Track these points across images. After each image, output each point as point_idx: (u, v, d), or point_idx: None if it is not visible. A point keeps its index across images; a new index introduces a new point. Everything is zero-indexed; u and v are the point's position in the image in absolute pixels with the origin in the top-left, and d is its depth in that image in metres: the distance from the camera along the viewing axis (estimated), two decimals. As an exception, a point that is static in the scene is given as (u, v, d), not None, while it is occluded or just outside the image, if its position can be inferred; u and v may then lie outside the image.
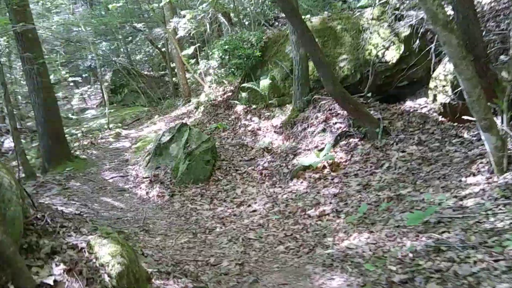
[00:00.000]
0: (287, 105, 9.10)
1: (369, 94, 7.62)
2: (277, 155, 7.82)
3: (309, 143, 7.62)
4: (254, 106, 9.57)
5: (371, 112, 7.24)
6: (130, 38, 22.71)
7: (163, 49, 19.26)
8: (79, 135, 11.16)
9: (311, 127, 7.87)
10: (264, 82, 9.23)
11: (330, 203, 5.68)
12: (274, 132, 8.58)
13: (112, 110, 18.30)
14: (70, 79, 19.29)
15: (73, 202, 6.49)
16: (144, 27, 20.22)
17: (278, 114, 9.04)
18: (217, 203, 6.70)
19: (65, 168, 7.96)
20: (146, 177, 7.46)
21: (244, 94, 9.76)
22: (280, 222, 5.57)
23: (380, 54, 7.92)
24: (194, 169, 7.42)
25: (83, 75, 22.53)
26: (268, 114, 9.18)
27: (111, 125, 12.15)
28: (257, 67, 10.02)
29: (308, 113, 8.16)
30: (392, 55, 7.83)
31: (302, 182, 6.80)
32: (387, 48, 7.93)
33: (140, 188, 7.24)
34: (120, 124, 12.56)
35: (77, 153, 9.27)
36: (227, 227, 5.68)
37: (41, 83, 7.92)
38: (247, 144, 8.56)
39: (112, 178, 7.76)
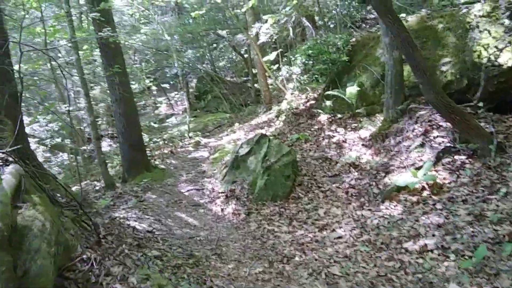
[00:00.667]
0: (377, 114, 8.16)
1: (480, 104, 6.44)
2: (365, 172, 6.94)
3: (404, 159, 6.64)
4: (339, 116, 8.76)
5: (482, 124, 6.08)
6: (214, 45, 23.01)
7: (245, 55, 19.15)
8: (160, 143, 11.15)
9: (406, 140, 6.87)
10: (351, 89, 8.39)
11: (433, 235, 4.72)
12: (362, 145, 7.69)
13: (194, 117, 18.64)
14: (161, 85, 20.10)
15: (147, 216, 6.23)
16: (228, 34, 20.33)
17: (367, 125, 8.14)
18: (297, 225, 6.02)
19: (143, 179, 7.82)
20: (222, 192, 7.02)
21: (328, 103, 8.99)
22: (371, 255, 4.74)
23: (492, 56, 6.69)
24: (273, 185, 6.82)
25: (171, 82, 23.32)
26: (355, 124, 8.31)
27: (191, 133, 12.03)
28: (343, 73, 9.20)
29: (403, 124, 7.17)
30: (507, 57, 6.56)
31: (396, 206, 5.88)
32: (501, 50, 6.68)
33: (215, 203, 6.81)
34: (199, 133, 12.40)
35: (157, 162, 9.17)
36: (307, 256, 4.99)
37: (122, 94, 7.87)
38: (331, 157, 7.77)
39: (188, 191, 7.44)
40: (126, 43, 17.51)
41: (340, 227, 5.75)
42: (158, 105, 17.95)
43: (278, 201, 6.67)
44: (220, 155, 8.93)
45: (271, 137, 7.73)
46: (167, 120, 12.44)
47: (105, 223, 4.98)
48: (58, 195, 4.31)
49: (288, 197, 6.79)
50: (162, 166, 8.97)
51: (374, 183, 6.55)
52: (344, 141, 8.10)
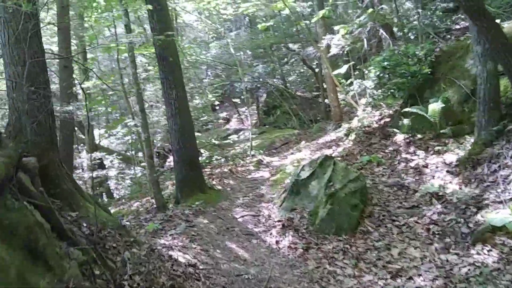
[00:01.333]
0: (466, 136, 6.93)
1: None
2: (451, 205, 5.76)
3: (501, 192, 5.39)
4: (419, 136, 7.60)
5: None
6: (285, 59, 22.56)
7: (316, 69, 18.36)
8: (222, 161, 10.65)
9: (504, 169, 5.62)
10: (434, 106, 7.23)
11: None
12: (447, 172, 6.49)
13: (261, 133, 18.15)
14: (232, 100, 19.96)
15: (194, 246, 5.61)
16: (299, 48, 19.75)
17: (453, 148, 6.91)
18: (365, 268, 5.04)
19: (197, 201, 7.26)
20: (278, 220, 6.22)
21: (406, 121, 7.87)
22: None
23: None
24: (337, 215, 5.89)
25: (242, 97, 23.34)
26: (439, 147, 7.11)
27: (253, 151, 11.39)
28: (424, 87, 8.04)
29: (500, 149, 5.90)
30: None
31: (490, 251, 4.72)
32: None
33: (271, 234, 6.02)
34: (261, 151, 11.73)
35: (214, 182, 8.60)
36: (376, 312, 4.02)
37: (178, 109, 7.45)
38: (409, 185, 6.65)
39: (242, 217, 6.74)
40: (197, 58, 17.56)
41: (419, 275, 4.70)
42: (221, 121, 17.65)
43: (342, 235, 5.72)
44: (281, 176, 8.15)
45: (336, 160, 6.81)
46: (229, 137, 11.96)
47: (140, 255, 4.41)
48: (84, 224, 3.79)
49: (354, 230, 5.82)
50: (219, 187, 8.39)
51: (462, 220, 5.38)
52: (425, 166, 6.94)
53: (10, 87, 4.02)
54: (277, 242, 5.77)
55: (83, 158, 12.49)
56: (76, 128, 16.65)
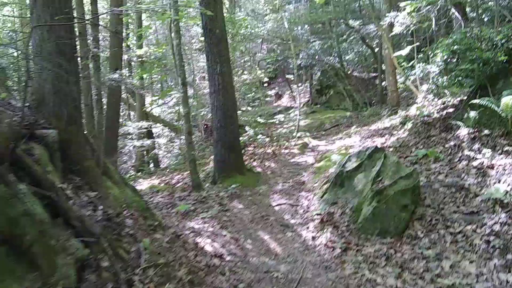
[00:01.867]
0: (543, 137, 6.00)
1: None
2: (519, 217, 4.98)
3: None
4: (486, 132, 6.72)
5: None
6: (343, 36, 21.48)
7: (376, 49, 17.23)
8: (266, 140, 10.20)
9: None
10: (508, 100, 6.30)
11: None
12: (517, 176, 5.65)
13: (312, 113, 17.52)
14: (286, 76, 19.36)
15: (224, 233, 5.29)
16: (360, 25, 18.62)
17: (527, 150, 6.03)
18: (409, 280, 4.47)
19: (234, 183, 6.92)
20: (317, 214, 5.72)
21: (472, 113, 6.98)
22: None
23: None
24: (383, 215, 5.30)
25: (296, 74, 22.80)
26: (509, 147, 6.23)
27: (300, 133, 10.82)
28: (497, 77, 7.07)
29: None
30: None
31: None
32: None
33: (307, 228, 5.55)
34: (308, 133, 11.12)
35: (254, 163, 8.20)
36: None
37: (222, 84, 7.03)
38: (469, 187, 5.88)
39: (279, 205, 6.31)
40: (252, 31, 17.00)
41: (473, 295, 4.08)
42: (270, 98, 17.10)
43: (387, 238, 5.14)
44: (325, 164, 7.58)
45: (388, 152, 6.15)
46: (276, 116, 11.39)
47: (162, 242, 4.12)
48: (101, 207, 3.50)
49: (401, 234, 5.21)
50: (259, 169, 7.98)
51: (531, 236, 4.62)
52: (491, 167, 6.10)
53: (35, 53, 3.75)
54: (313, 238, 5.30)
55: (130, 126, 12.49)
56: (129, 95, 16.84)
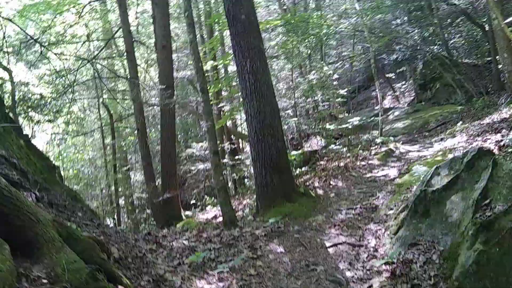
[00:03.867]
0: None
1: None
2: None
3: None
4: None
5: None
6: (448, 20, 18.37)
7: (487, 27, 14.02)
8: (343, 150, 8.18)
9: None
10: None
11: None
12: None
13: (414, 111, 15.34)
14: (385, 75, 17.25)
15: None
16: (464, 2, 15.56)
17: None
18: None
19: (279, 214, 5.14)
20: (387, 263, 3.67)
21: None
22: None
23: None
24: (496, 266, 3.09)
25: (397, 71, 20.47)
26: None
27: (381, 138, 8.55)
28: None
29: None
30: None
31: None
32: None
33: (370, 287, 3.54)
34: (392, 138, 8.79)
35: (316, 184, 6.31)
36: None
37: (254, 85, 5.39)
38: None
39: (335, 245, 4.36)
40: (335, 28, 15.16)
41: None
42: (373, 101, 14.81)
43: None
44: (409, 179, 5.38)
45: (498, 157, 3.85)
46: (349, 120, 9.23)
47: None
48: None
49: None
50: (320, 192, 6.05)
51: None
52: None
53: None
54: (377, 307, 3.30)
55: (194, 147, 11.38)
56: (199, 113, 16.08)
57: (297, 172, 6.73)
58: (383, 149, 7.91)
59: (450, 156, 5.68)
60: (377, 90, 9.81)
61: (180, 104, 15.08)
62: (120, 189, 15.27)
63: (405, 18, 18.65)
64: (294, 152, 6.63)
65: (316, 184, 6.37)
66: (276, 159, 5.48)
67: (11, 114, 10.37)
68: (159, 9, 9.40)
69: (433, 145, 7.67)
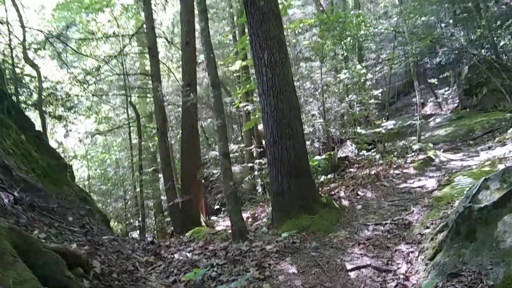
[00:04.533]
0: None
1: None
2: None
3: None
4: None
5: None
6: (497, 22, 17.22)
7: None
8: (377, 157, 7.39)
9: None
10: None
11: None
12: None
13: (458, 118, 14.51)
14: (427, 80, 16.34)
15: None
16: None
17: None
18: None
19: (296, 227, 4.49)
20: (420, 296, 2.94)
21: None
22: None
23: None
24: None
25: (440, 76, 19.51)
26: None
27: (417, 145, 7.67)
28: None
29: None
30: None
31: None
32: None
33: (396, 327, 2.83)
34: (431, 144, 7.90)
35: (341, 194, 5.59)
36: None
37: (272, 80, 4.77)
38: None
39: (357, 268, 3.65)
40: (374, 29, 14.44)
41: None
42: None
43: None
44: (450, 192, 4.57)
45: None
46: (383, 124, 8.35)
47: None
48: None
49: None
50: (345, 202, 5.33)
51: None
52: None
53: None
54: None
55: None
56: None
57: (322, 179, 6.04)
58: (421, 157, 7.05)
59: (501, 166, 4.85)
60: (416, 91, 8.90)
61: (208, 105, 14.65)
62: (148, 191, 14.99)
63: (450, 21, 17.64)
64: (317, 157, 5.94)
65: (342, 194, 5.64)
66: (295, 163, 4.81)
67: (32, 111, 10.22)
68: (184, 4, 8.97)
69: (479, 154, 6.77)
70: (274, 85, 4.81)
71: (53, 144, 11.57)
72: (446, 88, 19.61)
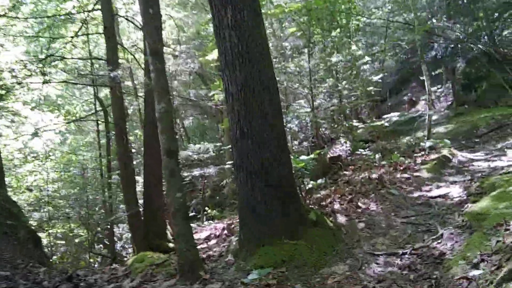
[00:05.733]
0: None
1: None
2: None
3: None
4: None
5: None
6: (495, 14, 16.45)
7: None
8: (377, 157, 6.04)
9: None
10: None
11: None
12: None
13: (457, 115, 13.77)
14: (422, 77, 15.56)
15: None
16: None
17: None
18: None
19: (271, 259, 3.04)
20: None
21: None
22: None
23: None
24: None
25: (432, 73, 18.79)
26: None
27: (429, 143, 6.31)
28: None
29: None
30: None
31: None
32: None
33: None
34: (447, 141, 6.58)
35: (336, 206, 4.16)
36: None
37: (238, 47, 3.34)
38: None
39: None
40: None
41: None
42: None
43: None
44: (495, 206, 3.14)
45: None
46: (385, 116, 7.00)
47: None
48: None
49: None
50: (342, 219, 3.90)
51: None
52: None
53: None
54: None
55: (190, 149, 9.42)
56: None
57: (309, 185, 4.59)
58: (433, 156, 5.66)
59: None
60: (425, 75, 7.65)
61: (193, 103, 13.21)
62: (119, 195, 13.54)
63: (444, 16, 16.79)
64: (303, 157, 4.53)
65: (337, 206, 4.19)
66: (272, 165, 3.36)
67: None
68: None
69: (506, 153, 5.45)
70: (241, 55, 3.36)
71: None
72: (439, 86, 19.04)
